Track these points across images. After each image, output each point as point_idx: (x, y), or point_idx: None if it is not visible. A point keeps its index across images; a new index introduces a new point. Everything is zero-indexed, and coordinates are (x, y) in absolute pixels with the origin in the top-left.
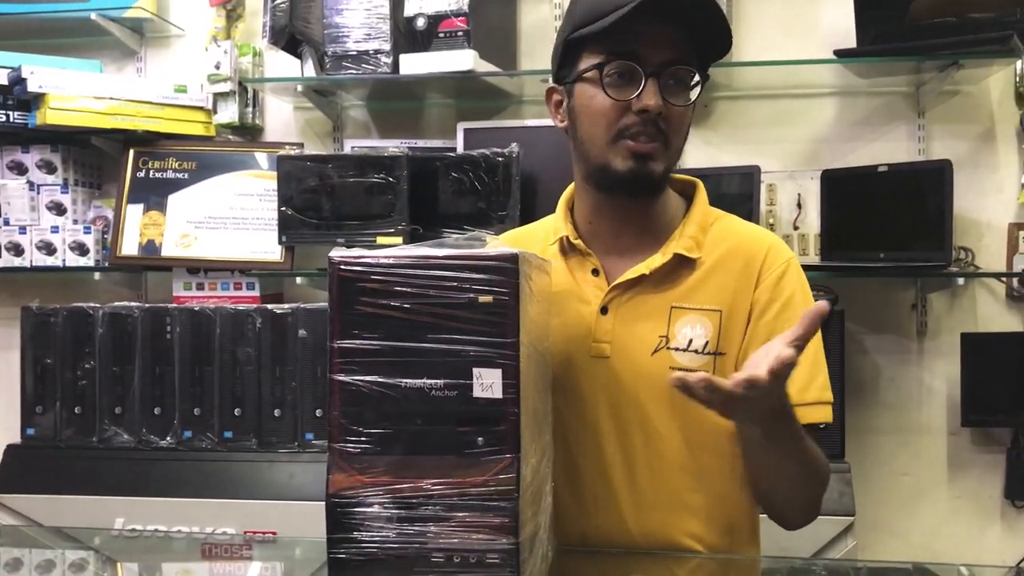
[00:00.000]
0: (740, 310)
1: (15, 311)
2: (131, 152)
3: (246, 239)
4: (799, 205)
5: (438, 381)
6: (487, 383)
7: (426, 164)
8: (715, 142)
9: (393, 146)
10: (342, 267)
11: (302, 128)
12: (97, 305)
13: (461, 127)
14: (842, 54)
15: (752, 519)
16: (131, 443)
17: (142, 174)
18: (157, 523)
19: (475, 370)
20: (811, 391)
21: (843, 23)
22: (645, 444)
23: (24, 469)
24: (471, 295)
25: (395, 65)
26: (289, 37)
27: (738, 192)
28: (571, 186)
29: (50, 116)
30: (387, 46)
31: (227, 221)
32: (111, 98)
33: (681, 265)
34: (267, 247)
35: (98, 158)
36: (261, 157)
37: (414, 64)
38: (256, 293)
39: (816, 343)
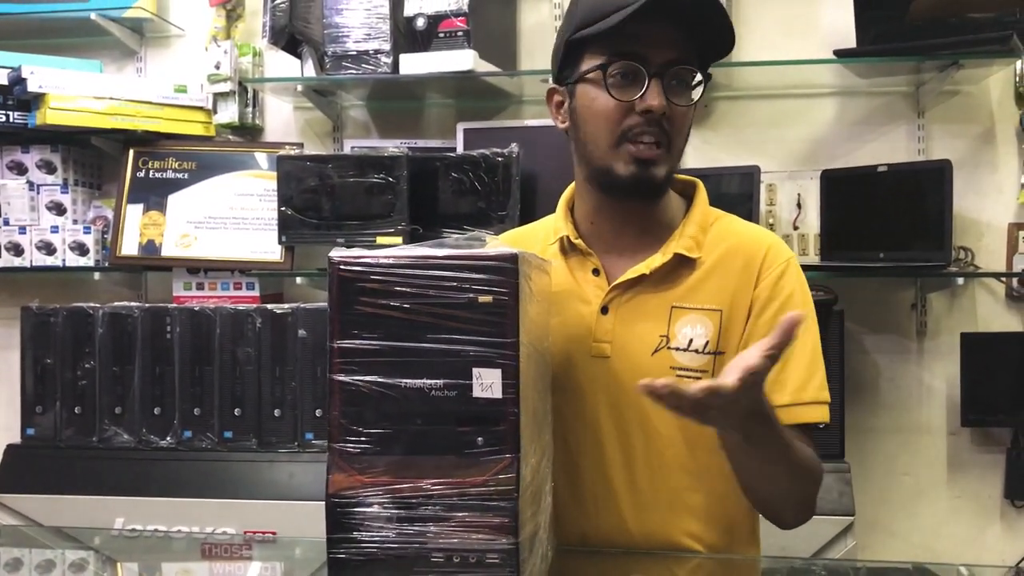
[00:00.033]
0: (740, 309)
1: (15, 311)
2: (131, 152)
3: (246, 239)
4: (799, 205)
5: (438, 381)
6: (487, 383)
7: (426, 164)
8: (715, 142)
9: (393, 146)
10: (342, 267)
11: (302, 128)
12: (97, 305)
13: (461, 127)
14: (842, 54)
15: (752, 519)
16: (131, 443)
17: (142, 174)
18: (157, 523)
19: (475, 370)
20: (808, 390)
21: (843, 23)
22: (645, 444)
23: (24, 469)
24: (471, 295)
25: (395, 65)
26: (289, 37)
27: (738, 192)
28: (571, 186)
29: (50, 116)
30: (387, 46)
31: (227, 221)
32: (111, 98)
33: (681, 265)
34: (267, 247)
35: (98, 158)
36: (261, 157)
37: (414, 64)
38: (256, 293)
39: (814, 342)
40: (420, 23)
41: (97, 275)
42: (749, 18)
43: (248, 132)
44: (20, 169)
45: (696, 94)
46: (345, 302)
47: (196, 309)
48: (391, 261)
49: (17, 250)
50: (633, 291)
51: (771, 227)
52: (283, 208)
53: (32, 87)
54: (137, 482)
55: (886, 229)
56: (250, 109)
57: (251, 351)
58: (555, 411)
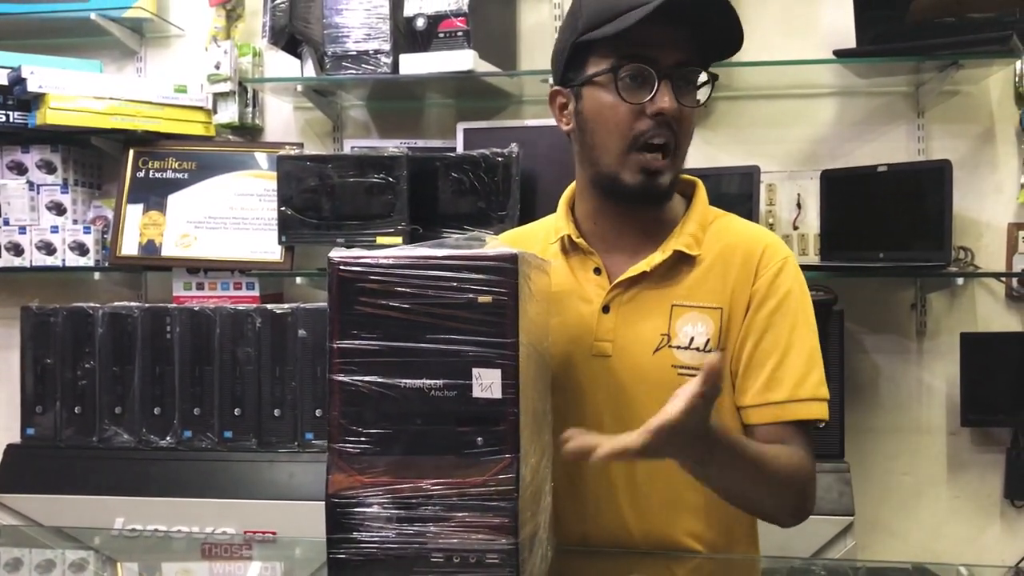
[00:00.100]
0: (739, 306)
1: (15, 311)
2: (131, 152)
3: (246, 239)
4: (799, 205)
5: (437, 381)
6: (486, 383)
7: (426, 164)
8: (715, 142)
9: (393, 146)
10: (342, 267)
11: (302, 128)
12: (97, 305)
13: (461, 127)
14: (842, 54)
15: (751, 517)
16: (131, 443)
17: (142, 174)
18: (157, 523)
19: (474, 370)
20: (806, 387)
21: (843, 23)
22: None
23: (24, 469)
24: (470, 295)
25: (395, 65)
26: (289, 37)
27: (738, 192)
28: (572, 185)
29: (50, 116)
30: (387, 46)
31: (227, 221)
32: (111, 98)
33: (681, 262)
34: (267, 247)
35: (98, 158)
36: (261, 157)
37: (414, 64)
38: (256, 293)
39: (812, 340)
40: (420, 23)
41: (97, 275)
42: (749, 18)
43: (248, 132)
44: (20, 169)
45: (702, 93)
46: (345, 302)
47: (196, 309)
48: (391, 261)
49: (17, 250)
50: (634, 290)
51: (771, 227)
52: (283, 208)
53: (32, 87)
54: (137, 482)
55: (886, 229)
56: (250, 109)
57: (251, 351)
58: (556, 411)
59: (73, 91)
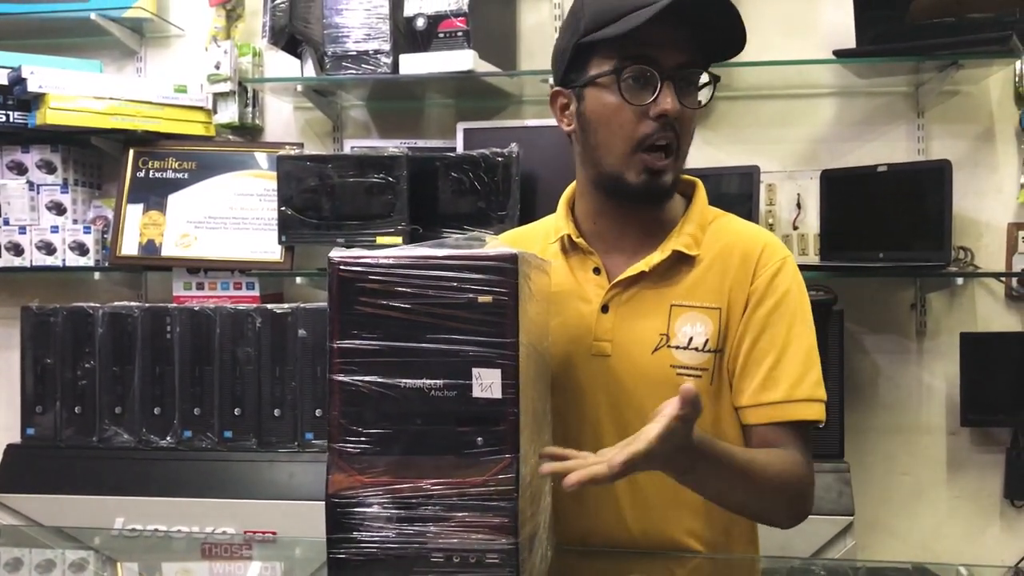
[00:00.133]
0: (737, 306)
1: (15, 311)
2: (131, 152)
3: (246, 239)
4: (799, 205)
5: (437, 381)
6: (486, 383)
7: (426, 164)
8: (715, 142)
9: (393, 146)
10: (342, 267)
11: (302, 128)
12: (97, 305)
13: (461, 127)
14: (842, 54)
15: None
16: (131, 443)
17: (142, 174)
18: (157, 523)
19: (474, 370)
20: (802, 388)
21: (843, 23)
22: None
23: (24, 469)
24: (470, 295)
25: (395, 65)
26: (289, 37)
27: (738, 192)
28: (572, 185)
29: (50, 116)
30: (387, 46)
31: (227, 221)
32: (111, 98)
33: (680, 262)
34: (267, 247)
35: (98, 158)
36: (261, 157)
37: (414, 64)
38: (256, 293)
39: (810, 341)
40: (420, 23)
41: (97, 275)
42: (749, 18)
43: (248, 132)
44: (20, 169)
45: (703, 94)
46: (345, 302)
47: (196, 309)
48: (391, 261)
49: (17, 250)
50: (633, 289)
51: (771, 227)
52: (283, 208)
53: (32, 87)
54: (137, 482)
55: (886, 229)
56: (250, 109)
57: (251, 351)
58: (555, 410)
59: (73, 91)
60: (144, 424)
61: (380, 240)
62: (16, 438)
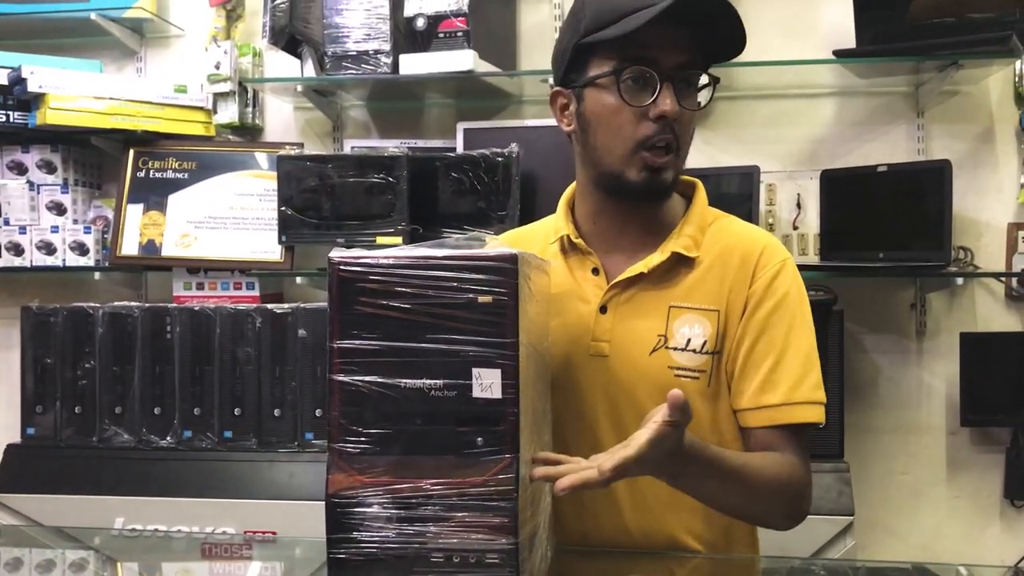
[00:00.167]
0: (736, 308)
1: (15, 311)
2: (131, 152)
3: (246, 239)
4: (798, 205)
5: (437, 381)
6: (486, 383)
7: (426, 164)
8: (715, 142)
9: (393, 146)
10: (342, 267)
11: (302, 128)
12: (97, 305)
13: (461, 127)
14: (841, 54)
15: None
16: (131, 443)
17: (142, 174)
18: (157, 523)
19: (474, 370)
20: (801, 390)
21: (843, 23)
22: None
23: (24, 469)
24: (470, 295)
25: (395, 65)
26: (289, 37)
27: (737, 192)
28: (571, 186)
29: (50, 116)
30: (387, 46)
31: (227, 221)
32: (111, 98)
33: (679, 264)
34: (267, 247)
35: (98, 158)
36: (261, 157)
37: (414, 64)
38: (256, 293)
39: (809, 343)
40: (420, 23)
41: (97, 275)
42: (749, 18)
43: (248, 132)
44: (20, 169)
45: (702, 95)
46: (345, 302)
47: (196, 309)
48: (391, 261)
49: (17, 250)
50: (632, 290)
51: (771, 227)
52: (283, 208)
53: (32, 87)
54: (137, 482)
55: (886, 229)
56: (250, 109)
57: (251, 351)
58: (554, 410)
59: (73, 91)
60: (144, 424)
61: (380, 240)
62: (16, 438)
